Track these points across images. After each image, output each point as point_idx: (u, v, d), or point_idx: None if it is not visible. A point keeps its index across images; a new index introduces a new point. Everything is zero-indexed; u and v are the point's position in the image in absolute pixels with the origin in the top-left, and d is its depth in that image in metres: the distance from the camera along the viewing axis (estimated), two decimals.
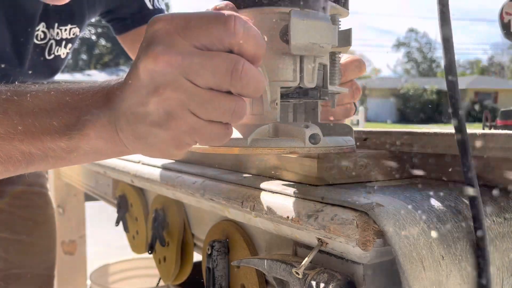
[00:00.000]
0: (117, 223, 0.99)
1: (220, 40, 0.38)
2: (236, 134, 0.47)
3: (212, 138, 0.42)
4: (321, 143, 0.45)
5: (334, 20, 0.49)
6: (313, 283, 0.42)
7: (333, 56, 0.52)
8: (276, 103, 0.47)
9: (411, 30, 48.99)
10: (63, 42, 0.92)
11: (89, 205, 1.56)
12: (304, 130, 0.45)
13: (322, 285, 0.41)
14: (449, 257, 0.39)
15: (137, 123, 0.41)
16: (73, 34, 0.93)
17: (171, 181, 0.67)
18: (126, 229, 0.98)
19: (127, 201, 0.95)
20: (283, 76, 0.47)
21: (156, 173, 0.72)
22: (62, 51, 0.93)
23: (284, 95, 0.48)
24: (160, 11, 1.02)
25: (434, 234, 0.39)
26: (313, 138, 0.45)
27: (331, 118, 0.59)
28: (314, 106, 0.52)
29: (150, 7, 0.98)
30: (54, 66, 0.94)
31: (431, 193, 0.44)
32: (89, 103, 0.44)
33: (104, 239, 2.86)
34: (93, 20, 0.99)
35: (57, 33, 0.90)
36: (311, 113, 0.52)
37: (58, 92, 0.46)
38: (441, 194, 0.44)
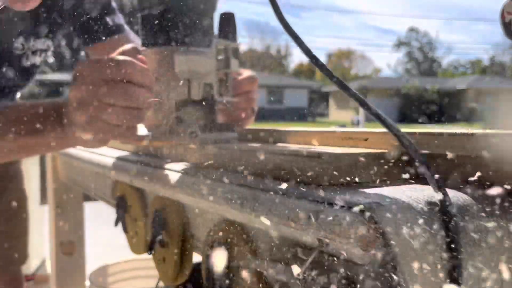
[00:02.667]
0: (116, 223, 0.98)
1: (116, 75, 0.62)
2: (145, 132, 0.71)
3: (121, 136, 0.66)
4: (201, 137, 0.67)
5: (226, 51, 0.74)
6: (314, 284, 0.41)
7: (226, 75, 0.74)
8: (172, 111, 0.70)
9: (412, 30, 49.02)
10: (38, 52, 1.13)
11: (88, 205, 1.56)
12: (187, 129, 0.67)
13: (322, 286, 0.41)
14: (449, 259, 0.39)
15: (73, 127, 0.66)
16: (47, 46, 1.15)
17: (171, 181, 0.67)
18: (125, 229, 0.97)
19: (126, 201, 0.94)
20: (177, 93, 0.69)
21: (155, 173, 0.72)
22: (37, 59, 1.14)
23: (180, 106, 0.70)
24: (119, 26, 1.20)
25: (434, 235, 0.39)
26: (192, 134, 0.67)
27: (235, 120, 0.81)
28: (210, 111, 0.72)
29: (111, 23, 1.19)
30: (30, 71, 1.16)
31: (433, 193, 0.43)
32: (48, 114, 0.69)
33: (103, 239, 2.86)
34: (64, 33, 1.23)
35: (33, 45, 1.11)
36: (210, 116, 0.73)
37: (27, 107, 0.72)
38: (443, 194, 0.43)
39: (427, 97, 27.92)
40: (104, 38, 1.17)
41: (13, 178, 1.33)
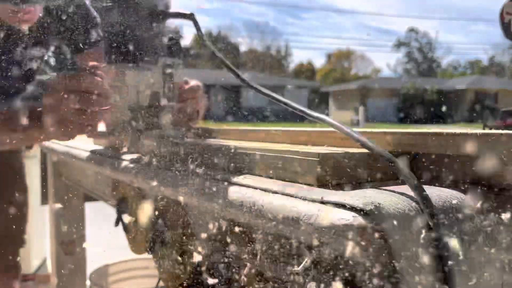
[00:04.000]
0: (117, 223, 0.98)
1: (78, 87, 0.83)
2: (104, 129, 0.95)
3: (85, 133, 0.86)
4: (145, 134, 0.86)
5: (172, 66, 0.95)
6: (313, 283, 0.41)
7: (172, 85, 0.96)
8: (125, 114, 0.92)
9: (411, 30, 48.99)
10: (34, 59, 1.35)
11: (88, 205, 1.56)
12: (135, 127, 0.89)
13: (322, 285, 0.41)
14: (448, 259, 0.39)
15: (48, 125, 0.85)
16: (42, 53, 1.38)
17: (171, 181, 0.67)
18: (125, 229, 0.98)
19: (126, 201, 0.94)
20: (129, 100, 0.92)
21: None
22: (33, 65, 1.37)
23: (132, 110, 0.92)
24: (101, 39, 1.36)
25: (433, 235, 0.39)
26: (139, 132, 0.88)
27: (181, 121, 1.01)
28: (156, 114, 0.93)
29: (95, 35, 1.38)
30: (28, 76, 1.36)
31: (432, 193, 0.44)
32: (29, 115, 0.88)
33: (103, 239, 2.86)
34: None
35: (29, 52, 1.32)
36: (156, 118, 0.93)
37: (16, 110, 0.91)
38: (442, 194, 0.44)
39: (426, 97, 27.89)
40: (89, 48, 1.44)
41: (16, 172, 1.47)
